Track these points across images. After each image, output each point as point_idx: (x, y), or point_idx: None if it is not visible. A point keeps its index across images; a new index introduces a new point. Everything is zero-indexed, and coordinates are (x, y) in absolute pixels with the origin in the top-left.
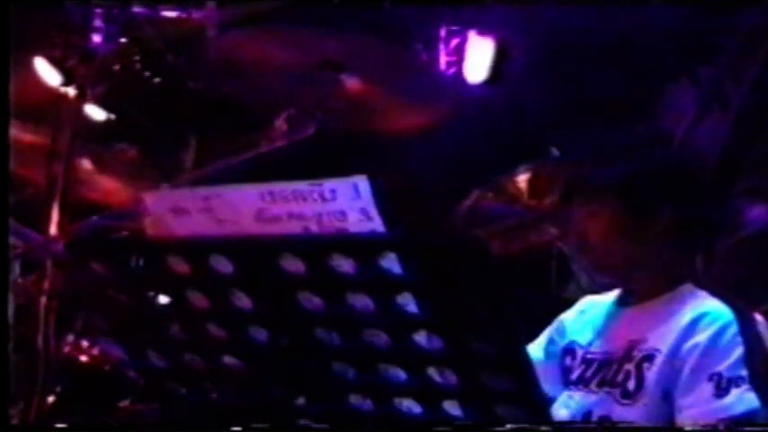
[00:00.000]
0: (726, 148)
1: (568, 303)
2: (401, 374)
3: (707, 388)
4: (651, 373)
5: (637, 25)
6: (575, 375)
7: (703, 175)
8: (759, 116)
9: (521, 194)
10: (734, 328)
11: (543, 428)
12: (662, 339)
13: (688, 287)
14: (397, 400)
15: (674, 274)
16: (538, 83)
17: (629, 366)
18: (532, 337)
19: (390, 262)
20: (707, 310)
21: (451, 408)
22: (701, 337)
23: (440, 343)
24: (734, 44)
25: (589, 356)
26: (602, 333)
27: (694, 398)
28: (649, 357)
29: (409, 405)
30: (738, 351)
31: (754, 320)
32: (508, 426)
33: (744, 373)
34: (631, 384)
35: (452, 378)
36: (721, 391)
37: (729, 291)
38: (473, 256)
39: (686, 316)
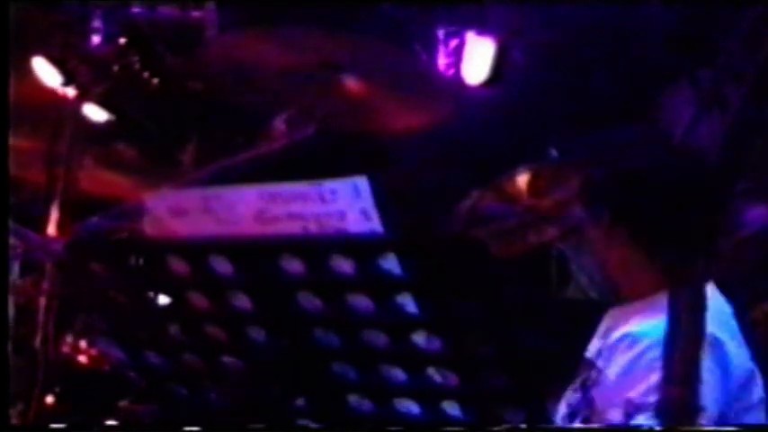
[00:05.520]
0: (725, 149)
1: (568, 303)
2: (401, 375)
3: (617, 414)
4: (594, 386)
5: (636, 25)
6: (575, 376)
7: (658, 183)
8: (759, 117)
9: (521, 194)
10: (655, 351)
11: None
12: (599, 354)
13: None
14: (396, 401)
15: (646, 282)
16: (537, 83)
17: (594, 372)
18: (532, 337)
19: (390, 262)
20: (631, 330)
21: (451, 408)
22: (621, 359)
23: (439, 343)
24: (734, 44)
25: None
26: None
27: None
28: (595, 368)
29: (409, 405)
30: (654, 376)
31: (713, 345)
32: (507, 426)
33: (654, 399)
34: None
35: (452, 378)
36: (628, 418)
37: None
38: (472, 256)
39: (616, 333)
